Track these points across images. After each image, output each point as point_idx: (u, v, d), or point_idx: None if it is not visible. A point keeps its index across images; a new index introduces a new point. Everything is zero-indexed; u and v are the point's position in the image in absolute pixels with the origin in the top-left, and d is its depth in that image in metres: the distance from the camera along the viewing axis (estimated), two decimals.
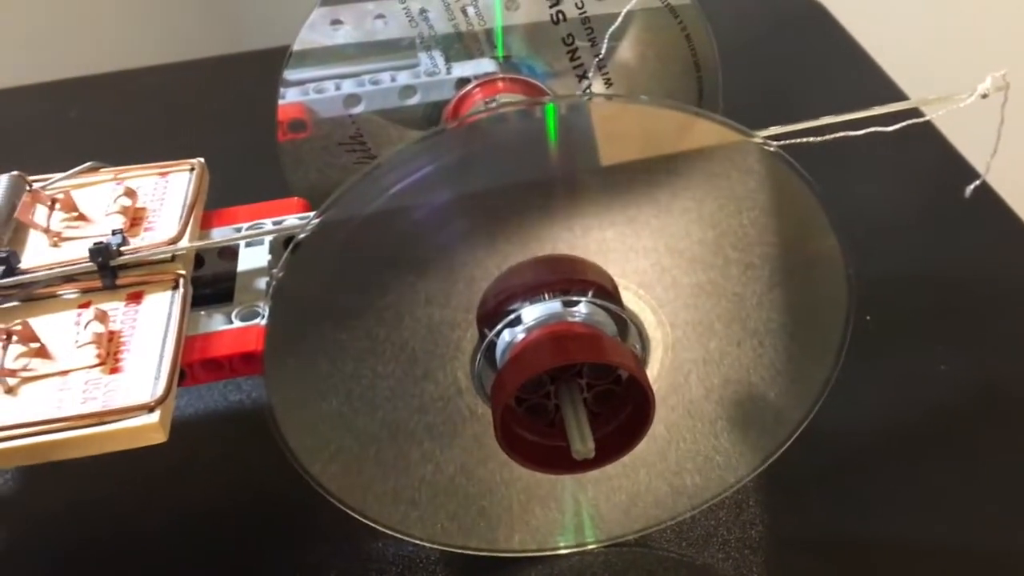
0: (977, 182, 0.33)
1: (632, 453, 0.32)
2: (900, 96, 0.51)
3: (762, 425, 0.33)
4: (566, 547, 0.34)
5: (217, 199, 0.36)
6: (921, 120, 0.33)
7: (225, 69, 0.59)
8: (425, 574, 0.33)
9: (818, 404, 0.32)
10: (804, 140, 0.30)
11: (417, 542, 0.33)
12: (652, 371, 0.31)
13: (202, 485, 0.37)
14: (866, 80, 0.52)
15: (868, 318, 0.40)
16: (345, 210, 0.27)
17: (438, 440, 0.31)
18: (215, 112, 0.55)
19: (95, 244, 0.30)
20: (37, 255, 0.32)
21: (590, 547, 0.34)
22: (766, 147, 0.28)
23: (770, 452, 0.33)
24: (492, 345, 0.29)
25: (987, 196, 0.44)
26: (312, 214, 0.28)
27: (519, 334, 0.28)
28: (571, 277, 0.29)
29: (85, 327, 0.29)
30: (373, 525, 0.32)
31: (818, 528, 0.34)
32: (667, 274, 0.30)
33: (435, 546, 0.33)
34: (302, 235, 0.27)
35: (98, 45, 0.67)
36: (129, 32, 0.67)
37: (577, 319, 0.28)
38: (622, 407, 0.29)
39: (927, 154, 0.47)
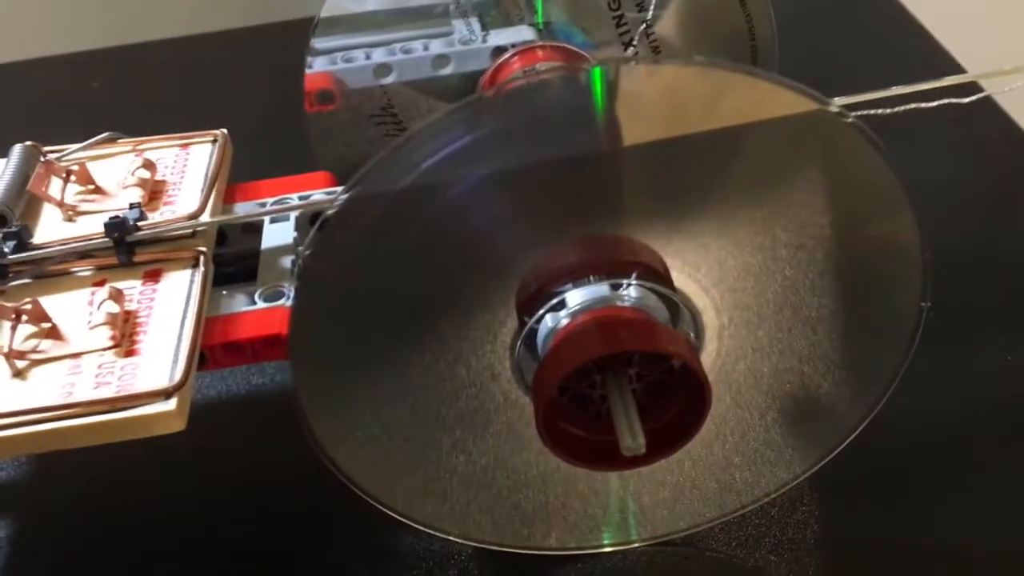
0: None
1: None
2: (961, 70, 0.48)
3: (817, 420, 0.31)
4: (606, 545, 0.32)
5: (242, 173, 0.34)
6: (995, 92, 0.30)
7: (254, 40, 0.57)
8: (456, 571, 0.31)
9: (882, 400, 0.30)
10: (873, 112, 0.28)
11: (448, 537, 0.31)
12: (707, 360, 0.28)
13: (223, 473, 0.35)
14: (923, 54, 0.50)
15: (928, 304, 0.38)
16: (375, 185, 0.25)
17: (470, 428, 0.29)
18: (242, 84, 0.53)
19: (111, 219, 0.28)
20: (51, 230, 0.30)
21: (633, 546, 0.32)
22: (842, 117, 0.26)
23: (829, 449, 0.31)
24: (533, 332, 0.27)
25: None
26: (340, 189, 0.26)
27: (563, 319, 0.26)
28: (619, 258, 0.27)
29: (99, 307, 0.27)
30: (402, 519, 0.30)
31: (875, 531, 0.32)
32: (711, 255, 0.28)
33: (467, 542, 0.31)
34: (330, 211, 0.25)
35: (124, 15, 0.65)
36: (155, 2, 0.65)
37: (626, 303, 0.26)
38: (674, 399, 0.27)
39: (990, 132, 0.45)
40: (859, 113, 0.28)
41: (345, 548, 0.32)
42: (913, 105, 0.29)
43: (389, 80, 0.38)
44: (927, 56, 0.50)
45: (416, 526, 0.30)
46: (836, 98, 0.27)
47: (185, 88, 0.54)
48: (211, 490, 0.35)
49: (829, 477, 0.32)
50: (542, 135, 0.27)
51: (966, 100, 0.30)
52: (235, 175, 0.33)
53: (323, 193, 0.32)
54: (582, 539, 0.32)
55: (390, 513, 0.30)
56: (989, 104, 0.45)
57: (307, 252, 0.25)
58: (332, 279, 0.26)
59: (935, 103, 0.29)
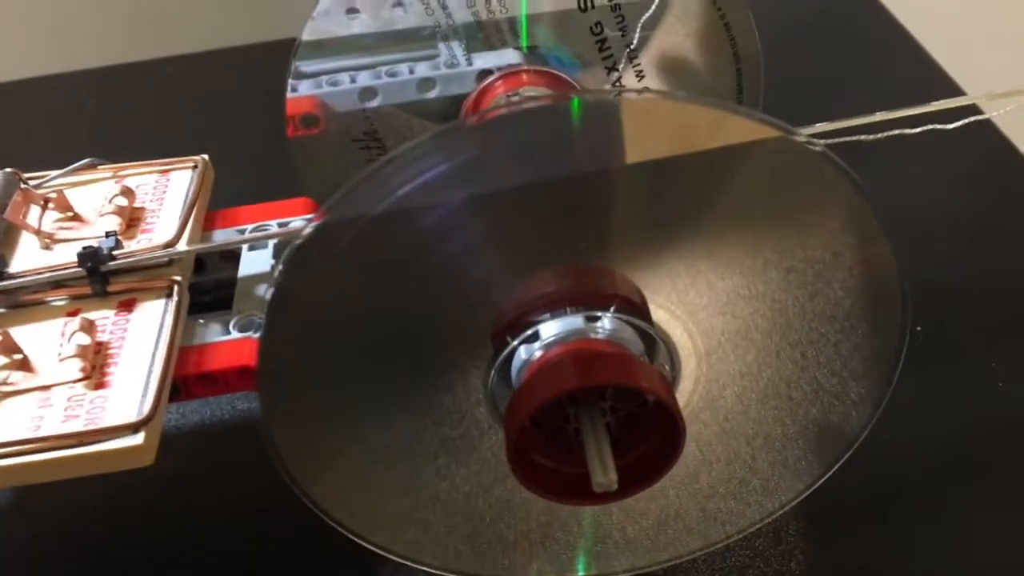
0: None
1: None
2: (956, 92, 0.47)
3: (804, 447, 0.31)
4: None
5: (231, 199, 0.34)
6: (984, 117, 0.30)
7: (248, 58, 0.57)
8: None
9: (868, 428, 0.29)
10: (855, 139, 0.28)
11: (429, 570, 0.30)
12: (683, 393, 0.28)
13: (199, 501, 0.35)
14: (919, 74, 0.49)
15: (919, 329, 0.37)
16: (350, 211, 0.24)
17: (454, 455, 0.29)
18: (226, 106, 0.53)
19: (85, 248, 0.28)
20: (28, 258, 0.30)
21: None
22: (810, 146, 0.26)
23: (814, 478, 0.30)
24: (508, 362, 0.26)
25: None
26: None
27: (536, 351, 0.26)
28: (595, 290, 0.26)
29: (70, 338, 0.27)
30: (380, 552, 0.30)
31: (862, 561, 0.31)
32: (701, 278, 0.28)
33: (447, 573, 0.31)
34: (299, 240, 0.24)
35: (117, 35, 0.65)
36: (149, 21, 0.65)
37: (600, 336, 0.26)
38: (648, 433, 0.26)
39: (985, 154, 0.44)
40: (842, 140, 0.27)
41: None
42: (897, 131, 0.29)
43: (375, 103, 0.37)
44: (921, 73, 0.49)
45: (396, 558, 0.30)
46: (819, 124, 0.27)
47: (181, 108, 0.54)
48: (192, 518, 0.34)
49: (814, 506, 0.32)
50: (520, 164, 0.27)
51: (951, 126, 0.29)
52: (226, 201, 0.33)
53: (302, 220, 0.32)
54: (563, 569, 0.31)
55: (368, 546, 0.30)
56: (987, 126, 0.45)
57: (277, 279, 0.25)
58: (303, 307, 0.26)
59: (919, 129, 0.29)
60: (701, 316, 0.28)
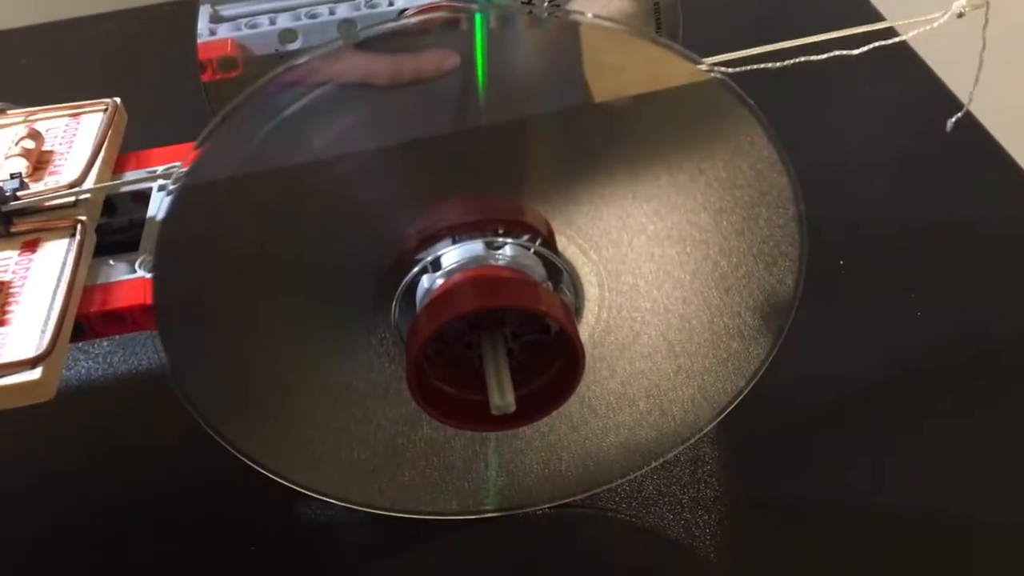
0: (959, 114, 0.30)
1: (585, 406, 0.30)
2: (875, 16, 0.47)
3: (722, 375, 0.31)
4: (510, 509, 0.31)
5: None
6: (892, 42, 0.30)
7: (161, 16, 0.56)
8: (357, 537, 0.31)
9: (770, 356, 0.29)
10: (762, 66, 0.28)
11: (353, 507, 0.31)
12: (590, 318, 0.28)
13: (130, 446, 0.35)
14: (846, 7, 0.49)
15: (841, 263, 0.37)
16: (233, 139, 0.24)
17: (378, 401, 0.29)
18: (147, 61, 0.52)
19: None
20: None
21: (537, 508, 0.31)
22: (712, 74, 0.26)
23: (725, 404, 0.31)
24: (411, 291, 0.26)
25: (972, 130, 0.41)
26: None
27: (438, 279, 0.26)
28: (497, 217, 0.26)
29: None
30: (307, 492, 0.30)
31: (776, 488, 0.32)
32: (631, 222, 0.28)
33: (370, 509, 0.31)
34: (184, 167, 0.24)
35: None
36: None
37: (501, 262, 0.26)
38: (552, 359, 0.27)
39: (910, 86, 0.44)
40: (747, 68, 0.27)
41: (247, 529, 0.32)
42: (803, 58, 0.29)
43: (295, 46, 0.37)
44: (856, 13, 0.49)
45: (323, 498, 0.30)
46: (722, 55, 0.27)
47: (112, 63, 0.53)
48: (116, 463, 0.34)
49: (731, 438, 0.32)
50: (420, 85, 0.26)
51: (856, 52, 0.29)
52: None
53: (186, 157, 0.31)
54: (486, 503, 0.31)
55: (293, 487, 0.30)
56: (912, 57, 0.45)
57: (164, 215, 0.25)
58: (192, 243, 0.25)
59: (825, 55, 0.29)
60: (629, 259, 0.28)
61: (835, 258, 0.37)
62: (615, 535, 0.31)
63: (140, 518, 0.33)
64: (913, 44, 0.31)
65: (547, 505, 0.31)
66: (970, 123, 0.32)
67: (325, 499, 0.30)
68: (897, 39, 0.30)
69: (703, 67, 0.25)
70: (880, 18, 0.48)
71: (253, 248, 0.26)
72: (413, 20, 0.28)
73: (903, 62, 0.39)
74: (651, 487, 0.31)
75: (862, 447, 0.33)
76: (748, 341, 0.30)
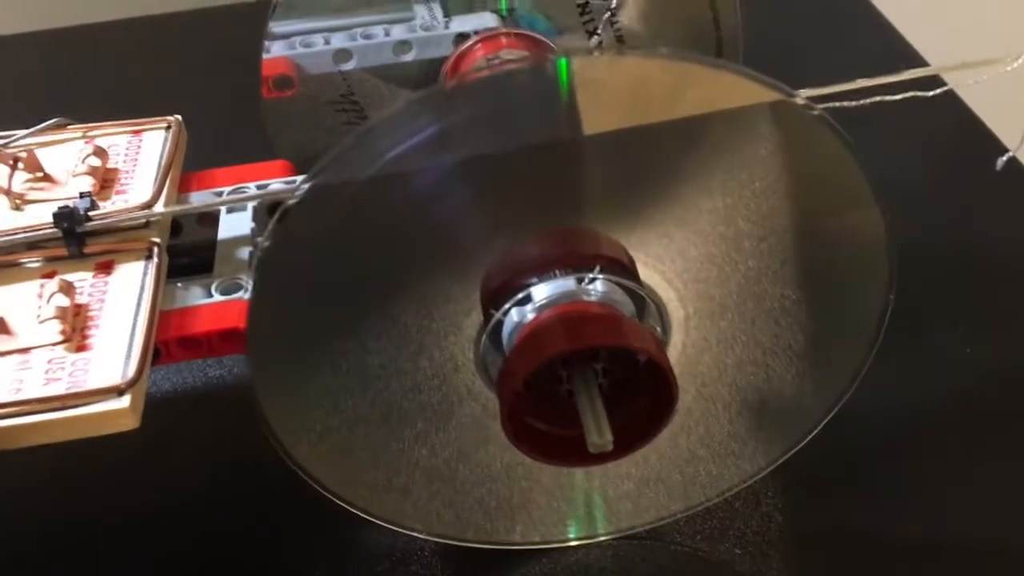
0: (1009, 154, 0.31)
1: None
2: (923, 63, 0.48)
3: (781, 413, 0.31)
4: (571, 539, 0.31)
5: (197, 161, 0.33)
6: (959, 86, 0.30)
7: (208, 22, 0.56)
8: (420, 566, 0.31)
9: (846, 396, 0.30)
10: (838, 105, 0.28)
11: (411, 533, 0.30)
12: (673, 352, 0.28)
13: (179, 468, 0.34)
14: (886, 47, 0.50)
15: (891, 297, 0.38)
16: (337, 175, 0.24)
17: (433, 421, 0.29)
18: (197, 68, 0.52)
19: (60, 208, 0.27)
20: None
21: (598, 539, 0.31)
22: (809, 110, 0.26)
23: (793, 442, 0.31)
24: (498, 327, 0.26)
25: (1017, 171, 0.41)
26: (301, 178, 0.25)
27: (528, 314, 0.26)
28: (585, 252, 0.26)
29: (48, 300, 0.26)
30: (363, 515, 0.30)
31: (839, 523, 0.32)
32: (673, 245, 0.28)
33: (430, 538, 0.31)
34: (291, 201, 0.24)
35: None
36: None
37: (592, 298, 0.26)
38: (640, 393, 0.27)
39: (950, 125, 0.45)
40: (824, 106, 0.28)
41: (306, 545, 0.32)
42: (879, 98, 0.29)
43: (349, 66, 0.37)
44: (888, 48, 0.50)
45: (378, 522, 0.30)
46: (801, 90, 0.27)
47: (140, 72, 0.52)
48: (167, 486, 0.34)
49: (793, 470, 0.32)
50: (507, 126, 0.26)
51: (931, 93, 0.30)
52: (190, 163, 0.32)
53: (281, 182, 0.31)
54: (546, 533, 0.31)
55: (351, 509, 0.29)
56: (951, 98, 0.45)
57: (266, 243, 0.25)
58: (291, 271, 0.25)
59: (900, 96, 0.29)
60: (677, 283, 0.28)
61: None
62: (679, 568, 0.31)
63: (182, 537, 0.32)
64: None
65: (610, 536, 0.31)
66: (1013, 161, 0.33)
67: (384, 524, 0.30)
68: (966, 83, 0.30)
69: (800, 101, 0.26)
70: (918, 58, 0.48)
71: (347, 279, 0.26)
72: (500, 69, 0.28)
73: (941, 101, 0.40)
74: (716, 521, 0.32)
75: (913, 481, 0.33)
76: (818, 384, 0.30)
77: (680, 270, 0.28)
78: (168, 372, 0.37)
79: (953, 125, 0.45)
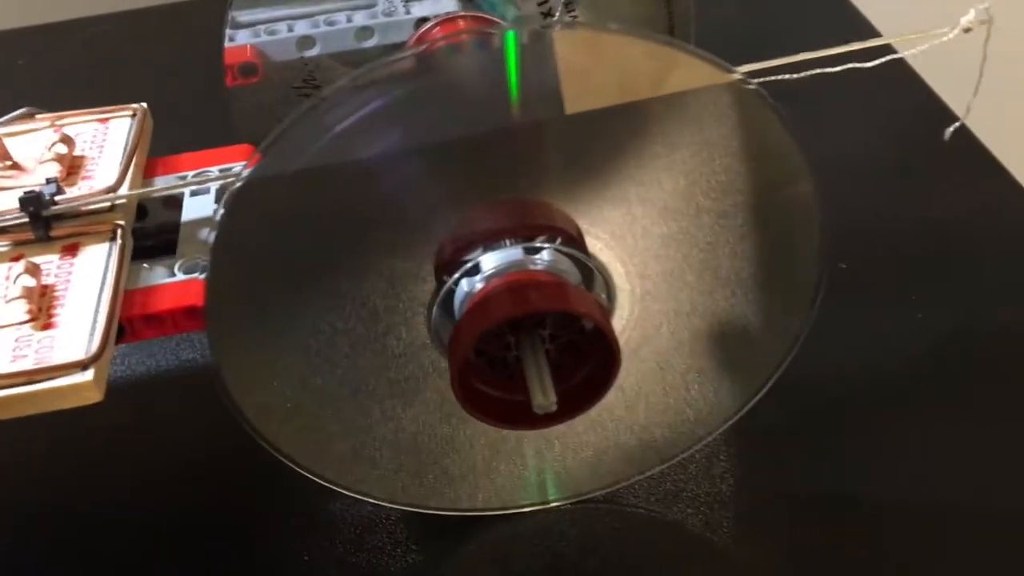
0: (956, 124, 0.32)
1: (600, 407, 0.31)
2: (874, 34, 0.49)
3: (734, 377, 0.32)
4: (531, 505, 0.33)
5: (167, 150, 0.34)
6: (900, 56, 0.31)
7: (178, 16, 0.57)
8: (385, 534, 0.32)
9: (789, 358, 0.31)
10: (780, 77, 0.29)
11: (376, 502, 0.31)
12: (619, 322, 0.29)
13: (151, 448, 0.35)
14: (837, 19, 0.51)
15: (843, 266, 0.39)
16: (286, 153, 0.25)
17: (400, 397, 0.30)
18: (166, 60, 0.53)
19: (26, 193, 0.28)
20: None
21: (559, 503, 0.33)
22: (745, 84, 0.27)
23: (741, 405, 0.32)
24: (450, 296, 0.27)
25: (966, 140, 0.43)
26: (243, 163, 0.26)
27: (477, 283, 0.27)
28: (533, 223, 0.27)
29: (15, 281, 0.27)
30: (332, 486, 0.31)
31: (791, 482, 0.33)
32: (637, 224, 0.29)
33: (395, 506, 0.32)
34: (238, 182, 0.25)
35: None
36: None
37: (539, 267, 0.27)
38: (586, 360, 0.28)
39: (905, 97, 0.46)
40: (764, 79, 0.28)
41: (274, 516, 0.33)
42: (818, 70, 0.30)
43: (313, 53, 0.38)
44: (848, 25, 0.51)
45: (345, 492, 0.31)
46: (742, 66, 0.28)
47: (113, 65, 0.53)
48: (138, 464, 0.35)
49: (746, 436, 0.33)
50: (455, 99, 0.27)
51: (869, 64, 0.31)
52: (161, 152, 0.33)
53: (244, 165, 0.32)
54: (508, 500, 0.32)
55: (319, 481, 0.30)
56: (905, 69, 0.46)
57: (219, 221, 0.26)
58: (245, 248, 0.26)
59: (839, 68, 0.30)
60: (637, 260, 0.29)
61: (836, 260, 0.39)
62: (635, 530, 0.32)
63: (158, 516, 0.33)
64: (909, 57, 0.32)
65: (569, 501, 0.32)
66: (964, 132, 0.34)
67: (353, 495, 0.31)
68: (906, 53, 0.31)
69: (737, 76, 0.26)
70: (874, 32, 0.49)
71: (300, 255, 0.27)
72: (446, 41, 0.29)
73: (897, 72, 0.41)
74: (669, 484, 0.33)
75: (864, 443, 0.34)
76: (768, 347, 0.31)
77: (642, 247, 0.29)
78: (142, 356, 0.38)
79: (911, 100, 0.46)
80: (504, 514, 0.32)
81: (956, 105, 0.39)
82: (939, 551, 0.31)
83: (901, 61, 0.31)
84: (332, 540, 0.32)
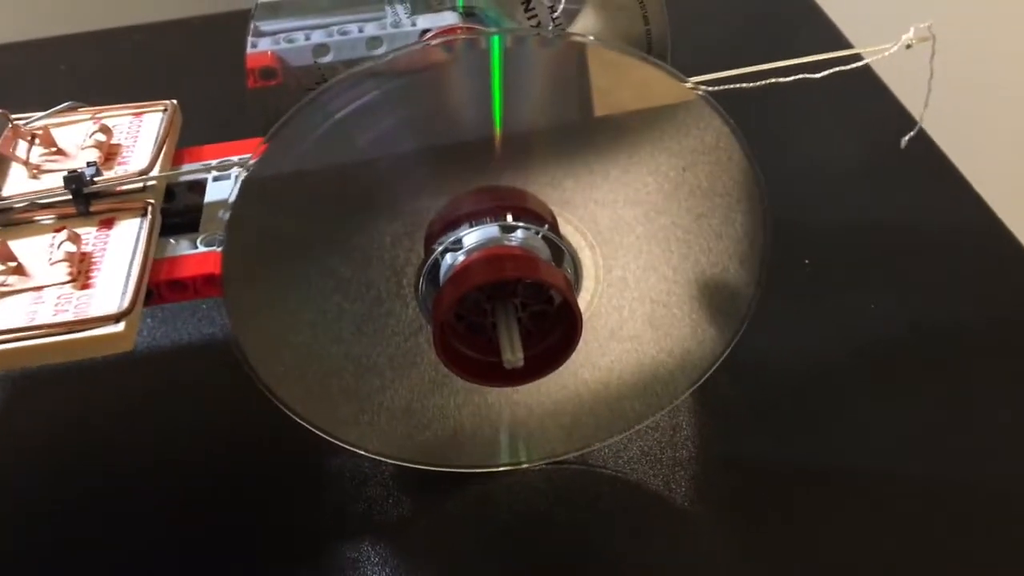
0: (911, 133, 0.34)
1: (578, 382, 0.34)
2: (843, 43, 0.52)
3: (699, 354, 0.35)
4: (512, 464, 0.36)
5: (194, 141, 0.38)
6: (849, 68, 0.34)
7: (212, 27, 0.61)
8: (380, 487, 0.36)
9: (737, 336, 0.34)
10: (735, 86, 0.32)
11: (374, 456, 0.35)
12: (585, 295, 0.33)
13: (176, 411, 0.39)
14: (818, 34, 0.54)
15: (807, 262, 0.42)
16: (292, 138, 0.29)
17: (398, 371, 0.33)
18: (197, 66, 0.57)
19: (70, 172, 0.32)
20: (17, 185, 0.34)
21: (535, 464, 0.36)
22: (696, 91, 0.30)
23: (697, 378, 0.35)
24: (436, 268, 0.31)
25: (925, 144, 0.46)
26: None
27: (460, 257, 0.30)
28: (510, 204, 0.31)
29: (59, 247, 0.31)
30: (333, 441, 0.34)
31: (743, 451, 0.36)
32: (622, 223, 0.32)
33: (390, 460, 0.35)
34: (252, 160, 0.29)
35: (91, 3, 0.69)
36: None
37: (514, 243, 0.30)
38: (554, 329, 0.31)
39: (871, 105, 0.49)
40: (723, 87, 0.32)
41: (278, 471, 0.36)
42: (772, 80, 0.33)
43: (327, 59, 0.42)
44: (822, 35, 0.54)
45: (347, 447, 0.34)
46: (703, 76, 0.31)
47: (148, 70, 0.58)
48: (162, 424, 0.39)
49: (710, 407, 0.37)
50: (445, 92, 0.31)
51: (818, 76, 0.34)
52: (187, 143, 0.37)
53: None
54: (490, 459, 0.36)
55: (322, 435, 0.34)
56: (872, 78, 0.50)
57: (232, 200, 0.30)
58: (259, 228, 0.30)
59: (792, 78, 0.33)
60: (620, 255, 0.33)
61: (801, 256, 0.42)
62: (604, 487, 0.35)
63: (181, 485, 0.37)
64: (875, 68, 0.35)
65: (545, 461, 0.36)
66: (922, 138, 0.37)
67: (350, 448, 0.35)
68: (855, 65, 0.35)
69: (688, 85, 0.30)
70: (846, 44, 0.53)
71: (306, 229, 0.30)
72: (437, 41, 0.33)
73: (867, 83, 0.44)
74: (635, 448, 0.36)
75: (818, 420, 0.37)
76: (720, 327, 0.34)
77: (627, 244, 0.32)
78: (167, 329, 0.42)
79: (876, 107, 0.49)
80: (486, 472, 0.36)
81: (918, 112, 0.42)
82: (882, 521, 0.34)
83: (868, 70, 0.34)
84: (331, 491, 0.36)
